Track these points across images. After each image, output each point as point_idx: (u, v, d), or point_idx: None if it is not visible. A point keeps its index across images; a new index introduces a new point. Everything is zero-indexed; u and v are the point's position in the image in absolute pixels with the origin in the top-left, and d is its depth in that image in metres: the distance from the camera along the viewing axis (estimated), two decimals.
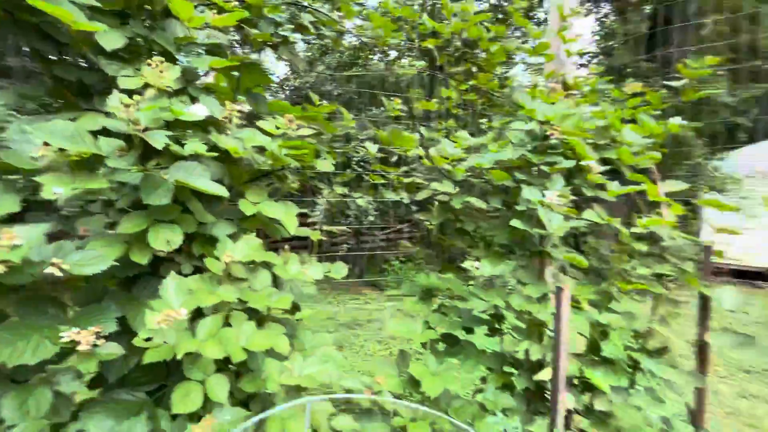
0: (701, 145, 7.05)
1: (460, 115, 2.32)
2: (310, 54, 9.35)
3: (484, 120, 2.20)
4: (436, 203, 1.87)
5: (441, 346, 1.84)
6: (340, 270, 1.74)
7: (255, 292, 1.06)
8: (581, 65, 8.38)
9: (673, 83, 1.71)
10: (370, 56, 8.33)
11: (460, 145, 1.80)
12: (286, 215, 1.16)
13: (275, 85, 10.46)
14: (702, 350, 1.41)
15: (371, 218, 6.78)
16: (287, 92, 9.51)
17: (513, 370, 1.71)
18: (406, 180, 1.93)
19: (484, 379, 1.87)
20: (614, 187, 1.46)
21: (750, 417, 3.35)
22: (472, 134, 2.02)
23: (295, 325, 1.51)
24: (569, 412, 1.60)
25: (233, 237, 1.10)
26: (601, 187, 1.50)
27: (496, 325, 1.81)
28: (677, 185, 1.60)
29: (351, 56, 8.41)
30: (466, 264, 1.48)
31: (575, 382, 1.61)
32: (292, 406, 0.93)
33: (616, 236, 1.66)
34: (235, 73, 1.50)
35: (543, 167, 1.63)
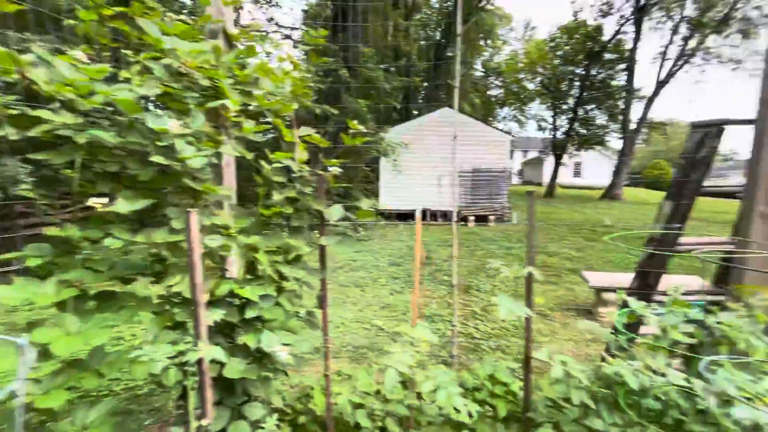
0: (372, 119, 9.26)
1: (102, 44, 1.99)
2: None
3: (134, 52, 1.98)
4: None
5: (92, 304, 1.62)
6: None
7: None
8: (286, 36, 9.01)
9: (305, 47, 2.11)
10: None
11: (89, 71, 1.55)
12: None
13: None
14: (321, 251, 1.90)
15: (26, 188, 4.95)
16: None
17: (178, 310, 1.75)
18: (13, 111, 1.51)
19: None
20: (249, 125, 1.68)
21: (393, 306, 4.90)
22: (117, 64, 1.79)
23: None
24: (231, 328, 1.81)
25: None
26: (238, 124, 1.70)
27: (159, 268, 1.77)
28: (307, 131, 2.01)
29: None
30: (91, 202, 1.34)
31: (236, 302, 1.82)
32: None
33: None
34: None
35: (190, 104, 1.66)
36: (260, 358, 1.80)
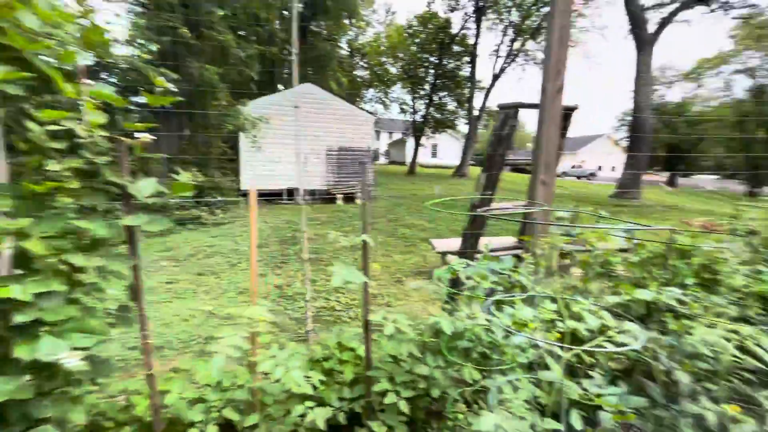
0: (226, 89, 8.35)
1: None
2: None
3: None
4: None
5: None
6: None
7: None
8: None
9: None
10: None
11: None
12: None
13: None
14: (130, 233, 1.61)
15: None
16: None
17: None
18: None
19: None
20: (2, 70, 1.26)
21: (239, 288, 4.63)
22: None
23: None
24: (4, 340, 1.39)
25: None
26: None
27: None
28: (103, 88, 1.63)
29: None
30: None
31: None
32: None
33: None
34: None
35: None
36: (43, 370, 1.44)
